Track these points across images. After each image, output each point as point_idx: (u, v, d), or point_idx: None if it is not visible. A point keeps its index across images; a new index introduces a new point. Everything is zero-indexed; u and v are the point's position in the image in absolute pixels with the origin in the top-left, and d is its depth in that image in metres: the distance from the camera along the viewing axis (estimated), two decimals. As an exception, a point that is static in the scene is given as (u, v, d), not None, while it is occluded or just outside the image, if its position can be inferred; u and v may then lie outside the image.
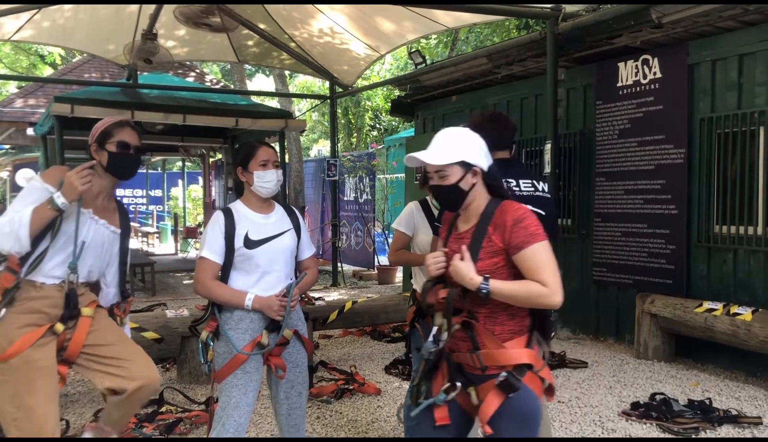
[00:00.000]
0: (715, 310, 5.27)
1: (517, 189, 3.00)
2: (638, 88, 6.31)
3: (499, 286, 2.09)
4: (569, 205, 7.13)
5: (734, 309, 5.18)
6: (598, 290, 6.84)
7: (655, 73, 6.15)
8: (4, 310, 2.59)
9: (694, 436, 4.15)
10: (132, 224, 3.03)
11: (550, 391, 2.24)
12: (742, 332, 5.02)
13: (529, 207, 2.95)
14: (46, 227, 2.59)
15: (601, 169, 6.72)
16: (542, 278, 2.10)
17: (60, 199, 2.53)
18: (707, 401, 4.59)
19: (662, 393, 4.75)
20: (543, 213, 3.02)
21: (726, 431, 4.23)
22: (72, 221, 2.65)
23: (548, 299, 2.09)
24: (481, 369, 2.14)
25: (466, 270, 2.11)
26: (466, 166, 2.20)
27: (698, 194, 5.87)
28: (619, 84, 6.50)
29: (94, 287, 2.85)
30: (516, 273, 2.15)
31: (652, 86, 6.18)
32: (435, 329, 2.19)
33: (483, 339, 2.14)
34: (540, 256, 2.12)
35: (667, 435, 4.16)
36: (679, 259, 5.98)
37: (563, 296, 2.11)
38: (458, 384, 2.18)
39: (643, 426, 4.29)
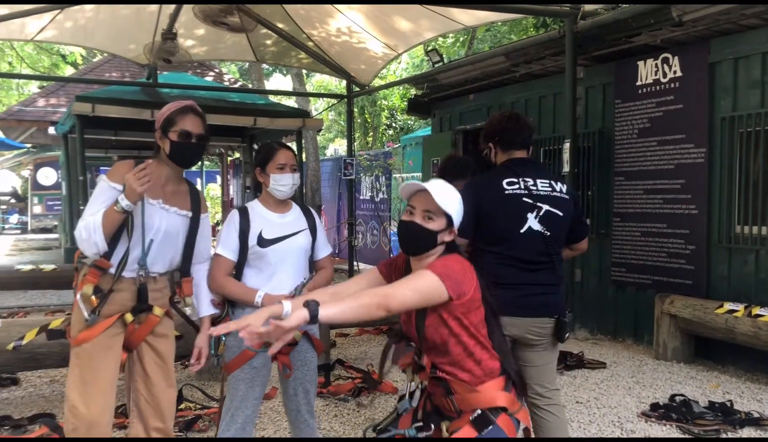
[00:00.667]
0: (736, 311, 5.21)
1: (534, 188, 3.00)
2: (658, 87, 6.26)
3: (326, 312, 1.95)
4: (588, 204, 7.08)
5: (756, 310, 5.11)
6: (616, 290, 6.79)
7: (675, 72, 6.09)
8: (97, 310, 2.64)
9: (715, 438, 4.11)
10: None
11: (526, 433, 2.24)
12: (764, 334, 4.96)
13: (547, 206, 2.96)
14: (122, 225, 2.62)
15: (620, 168, 6.67)
16: (387, 286, 2.08)
17: (124, 202, 2.55)
18: (728, 403, 4.54)
19: (682, 395, 4.71)
20: (561, 214, 3.01)
21: (748, 433, 4.19)
22: (144, 216, 2.68)
23: (373, 305, 1.99)
24: (456, 412, 2.14)
25: (288, 324, 1.91)
26: (450, 223, 2.19)
27: (719, 194, 5.81)
28: (639, 83, 6.44)
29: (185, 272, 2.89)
30: (466, 319, 2.11)
31: (673, 85, 6.13)
32: (410, 386, 2.22)
33: (455, 387, 2.14)
34: (415, 275, 2.09)
35: (687, 436, 4.13)
36: (699, 259, 5.92)
37: (393, 305, 2.01)
38: (432, 426, 2.19)
39: (663, 428, 4.26)
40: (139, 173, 2.54)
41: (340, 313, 1.98)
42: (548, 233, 2.95)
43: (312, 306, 1.92)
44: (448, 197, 2.18)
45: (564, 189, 3.08)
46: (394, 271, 2.35)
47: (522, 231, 2.94)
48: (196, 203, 2.88)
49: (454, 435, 2.11)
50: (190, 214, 2.84)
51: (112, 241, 2.63)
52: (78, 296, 2.67)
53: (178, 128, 2.70)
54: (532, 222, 2.94)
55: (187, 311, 3.00)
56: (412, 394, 2.21)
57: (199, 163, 18.84)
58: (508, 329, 2.88)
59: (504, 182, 2.98)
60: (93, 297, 2.63)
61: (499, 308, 2.24)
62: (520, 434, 2.18)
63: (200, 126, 2.77)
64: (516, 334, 2.93)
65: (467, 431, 2.10)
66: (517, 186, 2.98)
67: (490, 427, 2.09)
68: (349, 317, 2.01)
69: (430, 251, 2.18)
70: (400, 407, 2.24)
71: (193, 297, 2.90)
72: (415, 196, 2.20)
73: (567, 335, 3.00)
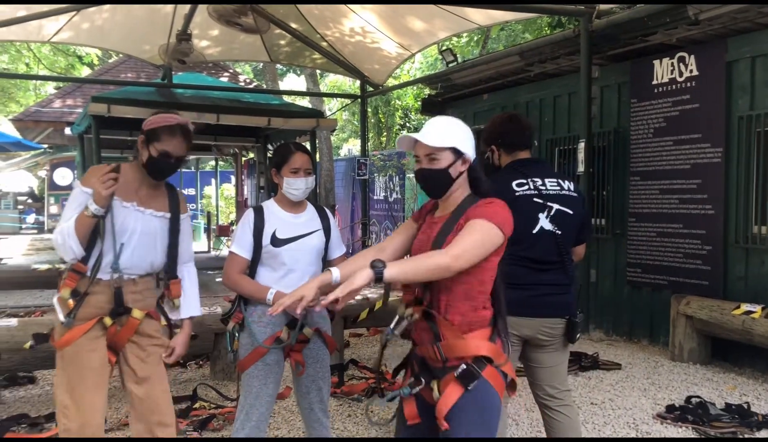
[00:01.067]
0: (753, 312, 5.15)
1: (543, 188, 2.98)
2: (674, 86, 6.21)
3: (396, 268, 1.99)
4: (603, 204, 7.04)
5: (773, 311, 5.06)
6: (632, 290, 6.74)
7: (691, 71, 6.04)
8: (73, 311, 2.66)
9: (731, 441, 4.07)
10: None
11: (512, 386, 2.25)
12: (782, 335, 4.90)
13: (557, 206, 2.95)
14: (96, 229, 2.65)
15: (635, 168, 6.62)
16: (456, 243, 2.05)
17: (93, 206, 2.58)
18: (745, 405, 4.50)
19: (698, 396, 4.67)
20: (571, 212, 2.99)
21: (765, 435, 4.14)
22: (117, 219, 2.69)
23: (448, 263, 2.00)
24: (442, 361, 2.14)
25: (356, 283, 1.96)
26: (458, 153, 2.20)
27: (736, 194, 5.75)
28: (655, 82, 6.40)
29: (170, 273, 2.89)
30: (483, 265, 2.11)
31: (689, 84, 6.07)
32: (397, 317, 2.22)
33: (443, 330, 2.14)
34: (472, 229, 2.08)
35: (703, 437, 4.09)
36: (715, 260, 5.87)
37: (461, 265, 2.02)
38: (422, 379, 2.21)
39: (678, 430, 4.22)
40: (103, 177, 2.56)
41: (404, 273, 2.01)
42: (560, 233, 2.94)
43: (377, 266, 1.96)
44: (441, 134, 2.20)
45: (572, 187, 3.06)
46: (424, 216, 2.38)
47: (534, 232, 2.93)
48: (175, 204, 2.87)
49: (442, 396, 2.11)
50: (168, 215, 2.84)
51: (89, 245, 2.65)
52: (54, 299, 2.69)
53: (160, 147, 2.69)
54: (544, 222, 2.93)
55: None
56: (398, 322, 2.21)
57: (214, 163, 19.00)
58: (519, 329, 2.87)
59: (513, 184, 2.97)
60: (70, 300, 2.65)
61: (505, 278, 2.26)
62: (505, 400, 2.17)
63: (183, 148, 2.75)
64: (527, 334, 2.92)
65: (453, 388, 2.10)
66: (526, 187, 2.96)
67: (476, 381, 2.09)
68: (415, 278, 2.05)
69: (451, 187, 2.22)
70: (382, 337, 2.25)
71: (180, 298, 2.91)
72: (416, 145, 2.24)
73: (578, 335, 2.98)
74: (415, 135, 2.21)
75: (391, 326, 2.22)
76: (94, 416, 2.66)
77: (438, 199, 2.29)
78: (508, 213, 2.16)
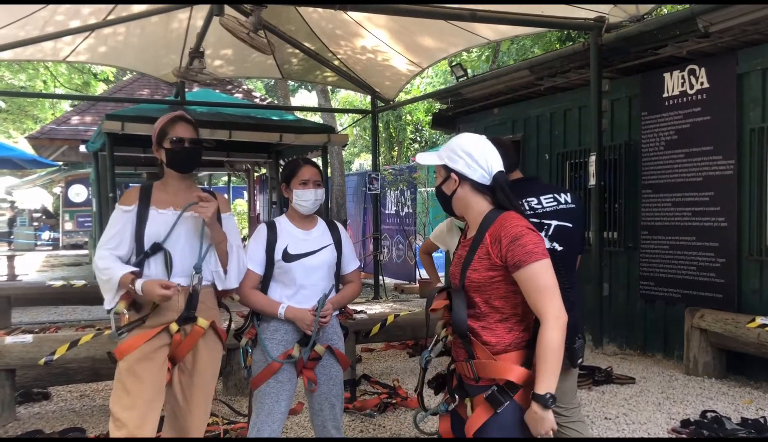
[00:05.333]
0: (768, 325, 5.11)
1: (539, 207, 2.95)
2: (685, 99, 6.20)
3: (547, 383, 2.03)
4: (615, 217, 7.02)
5: (789, 325, 5.01)
6: (645, 304, 6.70)
7: (702, 83, 6.03)
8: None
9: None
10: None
11: None
12: (798, 349, 4.85)
13: (555, 222, 2.93)
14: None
15: (647, 181, 6.60)
16: (539, 308, 2.06)
17: (138, 289, 2.63)
18: (762, 420, 4.45)
19: (714, 411, 4.63)
20: (570, 225, 2.97)
21: (781, 451, 4.09)
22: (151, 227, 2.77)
23: (555, 329, 2.03)
24: (475, 379, 2.15)
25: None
26: (447, 171, 2.24)
27: (749, 206, 5.72)
28: (665, 95, 6.39)
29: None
30: (515, 288, 2.13)
31: (700, 97, 6.06)
32: (434, 338, 2.26)
33: (476, 350, 2.15)
34: (537, 279, 2.07)
35: (719, 454, 4.05)
36: (729, 273, 5.83)
37: (564, 324, 2.06)
38: (456, 396, 2.22)
39: (693, 445, 4.18)
40: (165, 291, 2.61)
41: (554, 376, 2.04)
42: (561, 248, 2.91)
43: (545, 400, 2.04)
44: (433, 153, 2.30)
45: (569, 199, 3.03)
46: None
47: None
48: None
49: (472, 415, 2.12)
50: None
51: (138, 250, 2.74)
52: (110, 313, 2.71)
53: (170, 136, 2.81)
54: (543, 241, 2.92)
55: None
56: (435, 343, 2.25)
57: (226, 179, 19.13)
58: None
59: None
60: (126, 315, 2.69)
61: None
62: None
63: (191, 132, 2.86)
64: None
65: (483, 409, 2.10)
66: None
67: (505, 404, 2.08)
68: (558, 367, 2.06)
69: (453, 204, 2.27)
70: (421, 359, 2.28)
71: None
72: None
73: (580, 360, 2.94)
74: (420, 153, 2.33)
75: (429, 348, 2.26)
76: (145, 426, 2.66)
77: (452, 215, 2.34)
78: (537, 235, 2.16)
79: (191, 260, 2.78)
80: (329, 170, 13.37)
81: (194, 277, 2.75)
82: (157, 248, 2.73)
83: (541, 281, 2.07)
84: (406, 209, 12.39)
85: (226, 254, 2.85)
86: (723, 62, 5.87)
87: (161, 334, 2.72)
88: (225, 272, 2.86)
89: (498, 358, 2.11)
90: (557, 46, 11.72)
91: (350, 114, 17.36)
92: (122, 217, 2.76)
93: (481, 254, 2.14)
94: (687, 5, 5.66)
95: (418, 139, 20.91)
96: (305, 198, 2.96)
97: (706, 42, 5.77)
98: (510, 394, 2.08)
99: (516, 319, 2.15)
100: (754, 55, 5.67)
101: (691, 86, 6.13)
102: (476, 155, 2.21)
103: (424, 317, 2.33)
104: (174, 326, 2.73)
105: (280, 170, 11.13)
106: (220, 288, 2.88)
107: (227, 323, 3.09)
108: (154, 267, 2.74)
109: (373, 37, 8.44)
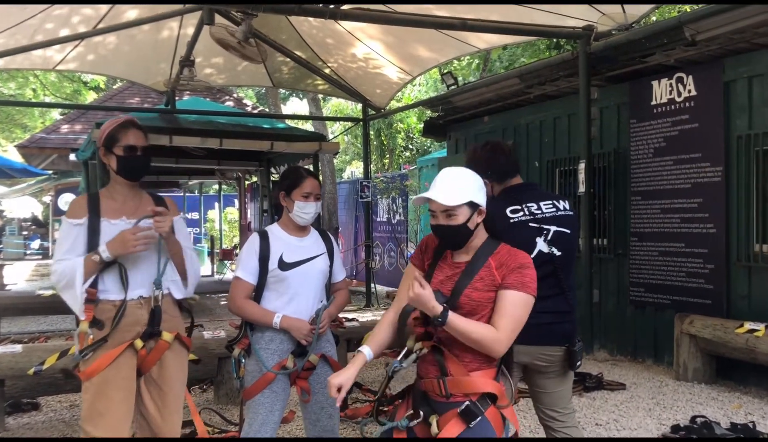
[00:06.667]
0: (757, 331, 5.14)
1: (539, 212, 2.98)
2: (673, 107, 6.26)
3: (455, 320, 2.12)
4: (605, 224, 7.06)
5: (777, 330, 5.05)
6: (635, 310, 6.73)
7: (689, 91, 6.09)
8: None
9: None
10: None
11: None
12: (786, 354, 4.89)
13: (554, 227, 2.96)
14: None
15: (636, 188, 6.65)
16: (500, 324, 2.15)
17: (105, 253, 2.60)
18: (751, 425, 4.47)
19: (703, 416, 4.65)
20: (568, 231, 3.01)
21: (771, 455, 4.12)
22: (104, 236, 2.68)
23: (494, 345, 2.15)
24: (446, 396, 2.17)
25: (428, 298, 2.12)
26: (473, 207, 2.24)
27: (737, 213, 5.77)
28: (654, 102, 6.45)
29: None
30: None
31: (687, 104, 6.12)
32: (405, 350, 2.27)
33: (450, 366, 2.18)
34: (515, 306, 2.18)
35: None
36: (718, 278, 5.87)
37: (506, 347, 2.18)
38: (421, 413, 2.22)
39: (683, 450, 4.20)
40: (141, 236, 2.57)
41: (462, 328, 2.12)
42: (559, 253, 2.95)
43: (441, 318, 2.11)
44: (456, 190, 2.23)
45: (567, 206, 3.08)
46: (426, 255, 2.42)
47: (532, 256, 2.94)
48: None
49: (442, 430, 2.12)
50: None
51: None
52: (74, 334, 2.68)
53: (122, 144, 2.74)
54: (542, 245, 2.94)
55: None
56: (407, 355, 2.25)
57: (217, 187, 19.10)
58: (516, 355, 2.86)
59: (508, 211, 2.97)
60: (90, 336, 2.63)
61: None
62: (506, 435, 2.21)
63: (143, 139, 2.81)
64: (524, 360, 2.92)
65: (454, 424, 2.12)
66: (521, 213, 2.97)
67: (478, 419, 2.12)
68: (462, 336, 2.14)
69: (469, 239, 2.27)
70: (389, 368, 2.28)
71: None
72: (430, 201, 2.26)
73: (579, 363, 2.97)
74: (429, 194, 2.23)
75: (399, 358, 2.26)
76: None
77: (457, 250, 2.32)
78: (534, 272, 2.25)
79: (149, 271, 2.74)
80: (321, 178, 13.38)
81: (155, 293, 2.71)
82: (110, 261, 2.65)
83: (518, 311, 2.19)
84: (397, 217, 12.42)
85: (183, 262, 2.81)
86: (710, 70, 5.94)
87: (126, 351, 2.67)
88: (183, 279, 2.84)
89: (472, 374, 2.17)
90: (546, 54, 11.80)
91: (341, 122, 17.39)
92: (72, 230, 2.67)
93: (483, 275, 2.22)
94: (675, 13, 5.72)
95: (410, 146, 20.94)
96: (306, 211, 2.95)
97: (693, 50, 5.83)
98: (482, 409, 2.13)
99: None
100: (740, 64, 5.73)
101: (679, 94, 6.19)
102: (484, 188, 2.32)
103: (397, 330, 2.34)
104: (139, 343, 2.69)
105: (274, 178, 11.13)
106: (179, 297, 2.86)
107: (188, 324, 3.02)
108: (109, 282, 2.68)
109: (364, 46, 8.47)
